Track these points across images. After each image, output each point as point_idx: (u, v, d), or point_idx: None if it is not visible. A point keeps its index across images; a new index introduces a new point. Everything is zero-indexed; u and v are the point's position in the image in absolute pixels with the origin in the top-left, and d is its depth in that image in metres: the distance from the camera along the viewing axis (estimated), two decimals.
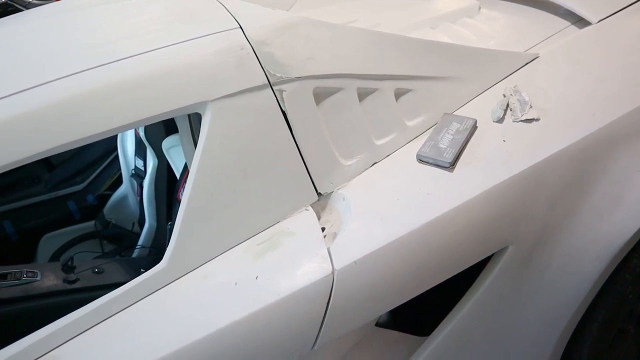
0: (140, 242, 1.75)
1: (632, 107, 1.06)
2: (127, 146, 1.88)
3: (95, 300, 0.83)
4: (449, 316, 1.01)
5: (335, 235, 0.92)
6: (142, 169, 1.79)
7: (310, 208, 0.97)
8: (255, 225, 0.93)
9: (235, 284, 0.85)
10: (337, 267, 0.85)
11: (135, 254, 1.73)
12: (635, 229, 1.02)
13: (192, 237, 0.88)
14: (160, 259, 0.87)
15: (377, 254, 0.87)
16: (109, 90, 0.86)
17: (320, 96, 1.00)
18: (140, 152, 1.79)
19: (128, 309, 0.84)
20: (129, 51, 0.92)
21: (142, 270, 1.16)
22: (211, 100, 0.90)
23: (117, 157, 1.95)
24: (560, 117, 1.07)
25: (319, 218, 0.97)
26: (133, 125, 0.86)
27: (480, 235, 0.94)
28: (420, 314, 1.04)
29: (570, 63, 1.21)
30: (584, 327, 1.10)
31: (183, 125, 1.15)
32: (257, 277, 0.85)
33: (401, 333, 1.05)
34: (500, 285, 0.99)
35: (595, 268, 1.03)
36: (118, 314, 0.83)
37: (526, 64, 1.23)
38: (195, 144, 1.00)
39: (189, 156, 1.16)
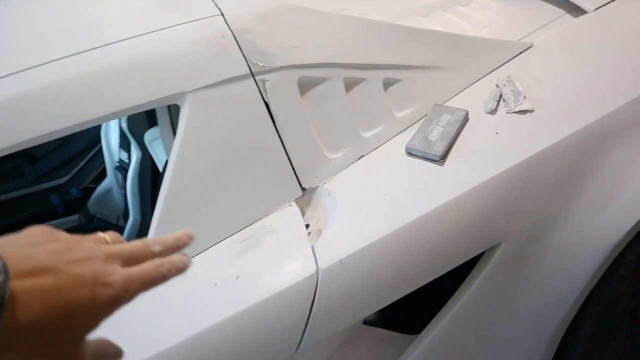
0: (124, 236, 1.70)
1: (628, 99, 1.03)
2: (111, 138, 1.83)
3: None
4: (439, 315, 0.98)
5: (320, 232, 0.88)
6: (127, 161, 1.73)
7: (294, 204, 0.93)
8: (237, 222, 0.89)
9: (216, 284, 0.81)
10: (321, 266, 0.81)
11: None
12: (630, 225, 0.98)
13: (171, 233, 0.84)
14: None
15: (363, 252, 0.83)
16: (82, 80, 0.81)
17: (305, 86, 0.95)
18: (124, 144, 1.74)
19: None
20: (104, 39, 0.87)
21: None
22: (190, 91, 0.85)
23: (101, 149, 1.90)
24: (555, 109, 1.03)
25: (303, 214, 0.93)
26: (106, 118, 0.81)
27: (472, 232, 0.90)
28: (409, 312, 1.01)
29: (566, 52, 1.17)
30: (578, 325, 1.07)
31: (162, 117, 1.10)
32: (238, 277, 0.81)
33: (390, 331, 1.02)
34: (492, 283, 0.96)
35: (590, 265, 1.00)
36: None
37: (520, 53, 1.19)
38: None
39: (169, 148, 1.12)
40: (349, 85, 1.00)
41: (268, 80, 0.90)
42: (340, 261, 0.82)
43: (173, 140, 1.08)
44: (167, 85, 0.84)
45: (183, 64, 0.86)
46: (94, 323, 0.36)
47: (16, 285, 0.31)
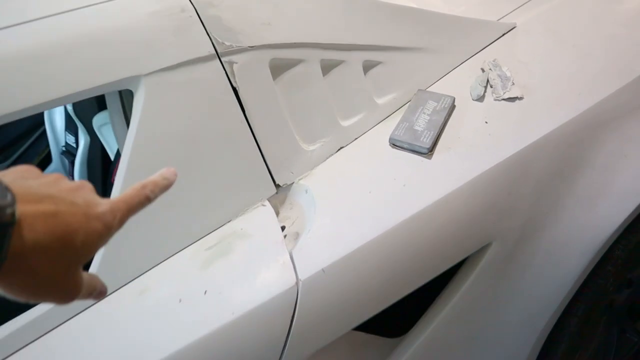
0: None
1: (620, 84, 0.97)
2: (55, 120, 1.66)
3: (6, 324, 0.67)
4: (425, 318, 0.90)
5: (297, 235, 0.79)
6: (74, 145, 1.57)
7: (267, 203, 0.82)
8: (202, 225, 0.78)
9: (180, 300, 0.70)
10: (301, 276, 0.72)
11: None
12: (620, 221, 0.93)
13: (123, 242, 0.72)
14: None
15: (348, 258, 0.74)
16: (11, 61, 0.67)
17: (277, 69, 0.84)
18: (71, 126, 1.57)
19: (47, 335, 0.68)
20: (38, 12, 0.72)
21: None
22: (145, 75, 0.72)
23: (45, 131, 1.72)
24: (545, 96, 0.96)
25: (277, 214, 0.82)
26: (39, 108, 0.67)
27: (463, 233, 0.83)
28: (391, 314, 0.93)
29: (551, 34, 1.10)
30: (563, 322, 1.03)
31: (113, 103, 0.96)
32: (205, 292, 0.70)
33: (372, 335, 0.94)
34: (482, 284, 0.89)
35: (579, 263, 0.95)
36: (34, 342, 0.67)
37: (503, 34, 1.11)
38: (128, 125, 0.82)
39: (121, 139, 0.98)
40: (326, 68, 0.89)
41: (236, 62, 0.79)
42: (322, 270, 0.72)
43: (125, 129, 0.95)
44: (116, 68, 0.71)
45: (135, 43, 0.73)
46: (90, 250, 0.37)
47: (20, 209, 0.32)
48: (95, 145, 1.48)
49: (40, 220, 0.33)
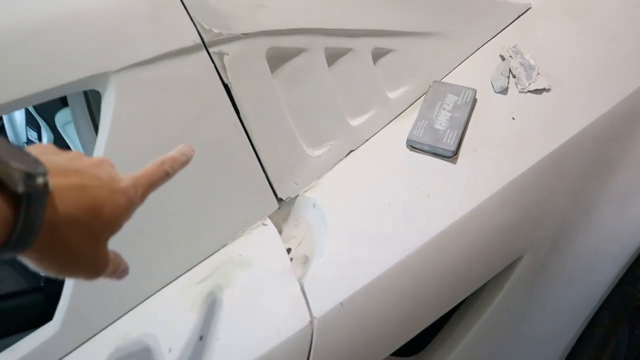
0: None
1: None
2: (14, 114, 1.48)
3: None
4: (449, 339, 0.80)
5: (306, 259, 0.66)
6: (36, 142, 1.41)
7: (268, 221, 0.69)
8: (192, 253, 0.65)
9: (170, 350, 0.57)
10: (316, 312, 0.59)
11: None
12: None
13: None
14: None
15: (370, 287, 0.62)
16: None
17: (276, 61, 0.71)
18: (32, 121, 1.40)
19: None
20: None
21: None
22: (114, 71, 0.58)
23: (4, 126, 1.55)
24: (574, 87, 0.85)
25: (280, 232, 0.70)
26: None
27: (494, 248, 0.72)
28: None
29: (570, 15, 0.99)
30: (587, 333, 0.94)
31: (77, 105, 0.81)
32: (201, 338, 0.57)
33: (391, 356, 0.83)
34: (509, 302, 0.79)
35: (611, 269, 0.85)
36: None
37: (519, 16, 1.00)
38: (96, 130, 0.68)
39: (88, 145, 0.83)
40: (332, 57, 0.76)
41: (227, 54, 0.65)
42: (341, 304, 0.60)
43: (93, 135, 0.80)
44: (78, 64, 0.56)
45: (102, 31, 0.58)
46: (117, 224, 0.37)
47: (50, 181, 0.31)
48: (60, 144, 1.32)
49: (70, 192, 0.33)
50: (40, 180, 0.30)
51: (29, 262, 0.33)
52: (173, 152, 0.45)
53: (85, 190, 0.34)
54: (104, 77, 0.58)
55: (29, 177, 0.29)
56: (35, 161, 0.31)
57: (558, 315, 0.86)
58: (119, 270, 0.42)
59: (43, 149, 0.36)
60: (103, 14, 0.58)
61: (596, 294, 0.87)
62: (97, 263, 0.37)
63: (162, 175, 0.43)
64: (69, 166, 0.35)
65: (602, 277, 0.86)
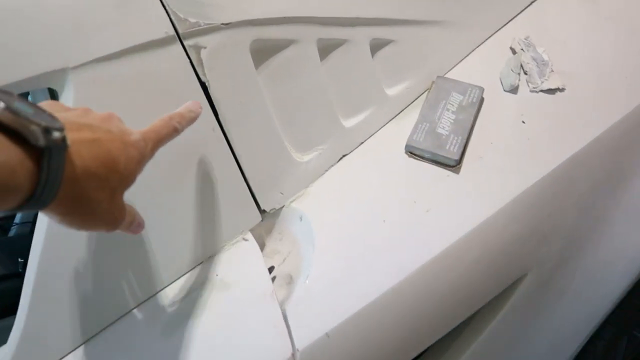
0: (17, 219, 1.34)
1: None
2: None
3: None
4: (444, 353, 0.75)
5: (290, 279, 0.60)
6: None
7: (250, 236, 0.62)
8: (164, 272, 0.58)
9: None
10: (299, 344, 0.53)
11: (12, 232, 1.33)
12: None
13: (55, 299, 0.52)
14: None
15: (360, 316, 0.56)
16: None
17: (261, 54, 0.63)
18: None
19: None
20: None
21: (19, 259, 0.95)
22: (73, 68, 0.50)
23: None
24: (590, 86, 0.78)
25: (262, 246, 0.63)
26: None
27: (497, 267, 0.66)
28: None
29: (586, 3, 0.90)
30: (588, 347, 0.89)
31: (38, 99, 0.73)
32: None
33: None
34: (510, 321, 0.74)
35: (619, 284, 0.80)
36: None
37: (530, 3, 0.91)
38: None
39: None
40: (325, 50, 0.68)
41: (204, 47, 0.57)
42: (327, 335, 0.54)
43: None
44: (31, 60, 0.48)
45: (60, 23, 0.50)
46: (131, 176, 0.38)
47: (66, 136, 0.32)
48: None
49: (85, 147, 0.33)
50: (57, 134, 0.30)
51: (53, 217, 0.33)
52: (181, 109, 0.45)
53: (99, 144, 0.34)
54: (60, 74, 0.50)
55: (48, 131, 0.29)
56: (52, 116, 0.31)
57: (561, 330, 0.81)
58: (135, 223, 0.43)
59: (50, 106, 0.36)
60: (60, 2, 0.50)
61: (602, 309, 0.82)
62: (115, 215, 0.38)
63: (170, 131, 0.43)
64: (80, 121, 0.35)
65: (609, 291, 0.80)
